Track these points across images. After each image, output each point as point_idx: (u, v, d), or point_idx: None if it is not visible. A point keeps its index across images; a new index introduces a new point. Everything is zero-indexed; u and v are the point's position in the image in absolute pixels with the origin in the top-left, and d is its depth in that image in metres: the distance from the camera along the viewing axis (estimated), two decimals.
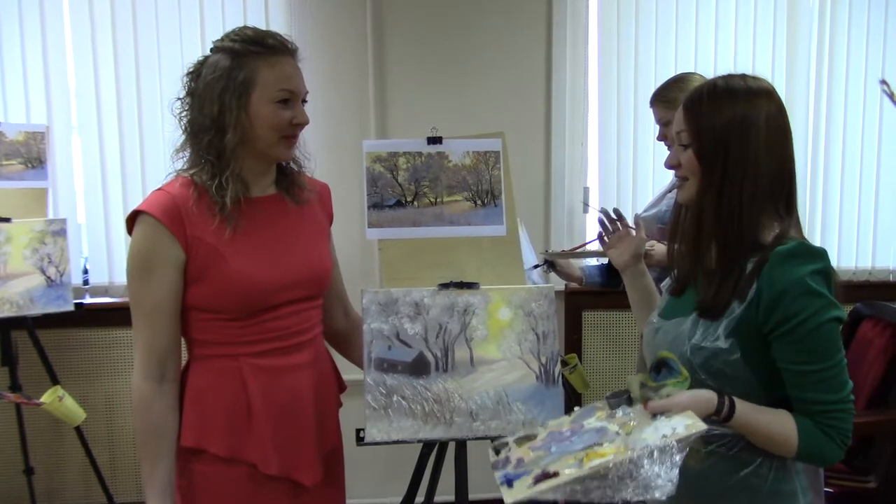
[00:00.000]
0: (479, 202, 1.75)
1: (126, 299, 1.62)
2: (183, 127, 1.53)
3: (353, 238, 2.25)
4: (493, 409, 1.62)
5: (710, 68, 2.99)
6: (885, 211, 3.28)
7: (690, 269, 1.35)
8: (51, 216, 2.77)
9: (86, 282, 3.00)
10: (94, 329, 2.97)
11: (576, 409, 1.30)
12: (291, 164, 1.62)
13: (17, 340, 2.69)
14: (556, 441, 1.23)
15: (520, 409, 1.61)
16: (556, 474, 1.14)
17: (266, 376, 1.52)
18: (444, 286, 1.66)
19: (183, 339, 1.55)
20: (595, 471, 1.10)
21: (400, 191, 1.73)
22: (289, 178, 1.61)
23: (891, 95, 2.69)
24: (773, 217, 1.27)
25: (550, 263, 2.43)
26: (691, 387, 1.21)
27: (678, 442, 1.09)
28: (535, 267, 2.34)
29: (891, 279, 3.30)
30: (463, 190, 1.74)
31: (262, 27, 1.70)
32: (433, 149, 1.75)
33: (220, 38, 1.53)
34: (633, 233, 1.64)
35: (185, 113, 1.53)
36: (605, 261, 2.52)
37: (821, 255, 1.22)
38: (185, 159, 1.54)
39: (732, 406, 1.19)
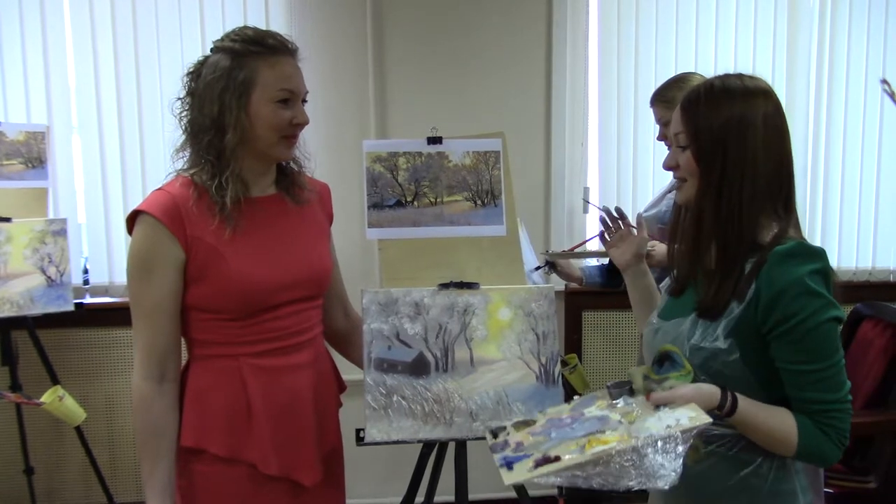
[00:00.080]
0: (479, 202, 1.75)
1: (126, 299, 1.62)
2: (183, 127, 1.53)
3: (353, 238, 2.25)
4: (493, 409, 1.61)
5: (710, 68, 2.98)
6: (886, 211, 3.28)
7: (690, 270, 1.35)
8: (51, 216, 2.77)
9: (86, 282, 3.00)
10: (94, 329, 2.97)
11: (575, 398, 1.30)
12: (291, 164, 1.62)
13: (18, 340, 2.69)
14: (556, 427, 1.23)
15: (520, 410, 1.61)
16: (557, 458, 1.14)
17: (266, 376, 1.52)
18: (444, 286, 1.66)
19: (183, 339, 1.55)
20: (597, 457, 1.10)
21: (400, 191, 1.73)
22: (289, 178, 1.61)
23: (891, 95, 2.70)
24: (772, 217, 1.27)
25: (551, 264, 2.43)
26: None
27: (682, 433, 1.09)
28: (537, 269, 2.33)
29: (891, 279, 3.30)
30: (463, 190, 1.74)
31: (263, 27, 1.70)
32: (433, 149, 1.74)
33: (220, 37, 1.53)
34: (635, 232, 1.64)
35: (185, 113, 1.53)
36: (605, 261, 2.52)
37: (819, 254, 1.22)
38: (185, 159, 1.54)
39: (735, 401, 1.19)
